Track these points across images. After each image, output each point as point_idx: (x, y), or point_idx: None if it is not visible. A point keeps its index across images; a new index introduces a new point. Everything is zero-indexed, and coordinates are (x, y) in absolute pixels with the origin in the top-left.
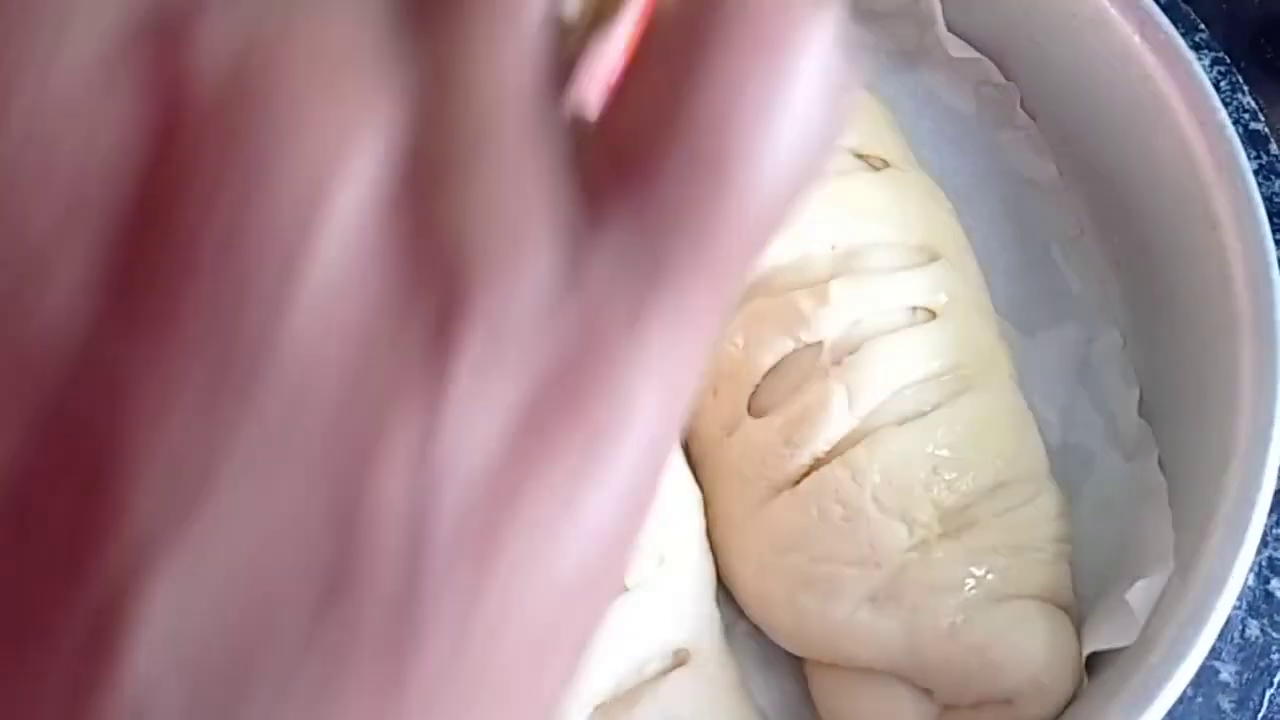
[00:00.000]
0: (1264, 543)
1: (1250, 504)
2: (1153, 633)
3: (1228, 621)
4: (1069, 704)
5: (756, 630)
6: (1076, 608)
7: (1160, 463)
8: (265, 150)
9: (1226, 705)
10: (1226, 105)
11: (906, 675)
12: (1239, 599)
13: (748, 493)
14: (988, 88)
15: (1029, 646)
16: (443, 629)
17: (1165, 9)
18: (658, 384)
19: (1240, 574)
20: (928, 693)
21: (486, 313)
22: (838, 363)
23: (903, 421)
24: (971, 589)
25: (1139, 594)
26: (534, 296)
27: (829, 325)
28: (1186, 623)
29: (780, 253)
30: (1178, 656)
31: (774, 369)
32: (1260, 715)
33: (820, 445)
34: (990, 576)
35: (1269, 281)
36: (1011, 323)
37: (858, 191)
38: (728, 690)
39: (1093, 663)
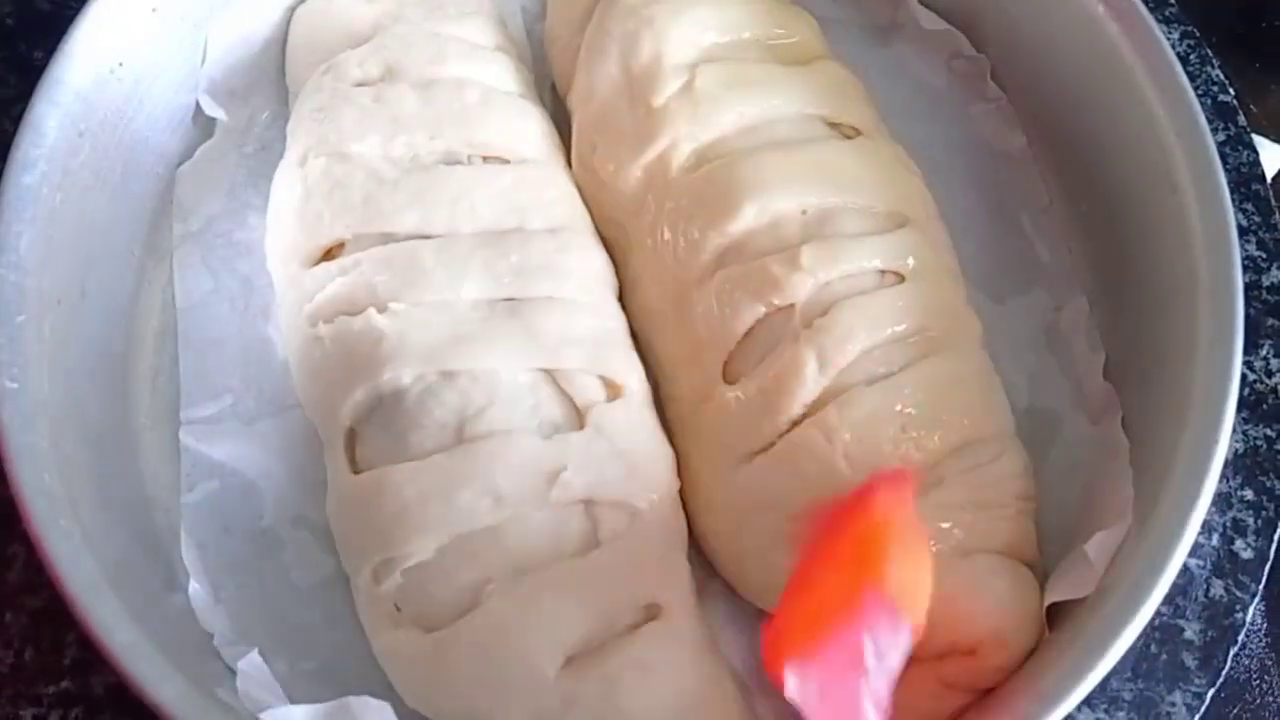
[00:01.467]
0: (1229, 504)
1: (1208, 457)
2: (1110, 583)
3: (1192, 581)
4: (1030, 654)
5: (728, 588)
6: (1041, 563)
7: (1123, 422)
8: None
9: (1191, 663)
10: (1195, 78)
11: None
12: (1203, 559)
13: (724, 455)
14: (959, 61)
15: (992, 599)
16: None
17: None
18: None
19: (1195, 526)
20: None
21: None
22: (808, 326)
23: (871, 381)
24: (937, 544)
25: (1097, 545)
26: None
27: (800, 289)
28: (1142, 573)
29: (752, 219)
30: (1133, 606)
31: (747, 334)
32: (1224, 673)
33: (795, 410)
34: (956, 531)
35: (1228, 242)
36: (982, 290)
37: (829, 159)
38: (698, 644)
39: (1054, 615)
